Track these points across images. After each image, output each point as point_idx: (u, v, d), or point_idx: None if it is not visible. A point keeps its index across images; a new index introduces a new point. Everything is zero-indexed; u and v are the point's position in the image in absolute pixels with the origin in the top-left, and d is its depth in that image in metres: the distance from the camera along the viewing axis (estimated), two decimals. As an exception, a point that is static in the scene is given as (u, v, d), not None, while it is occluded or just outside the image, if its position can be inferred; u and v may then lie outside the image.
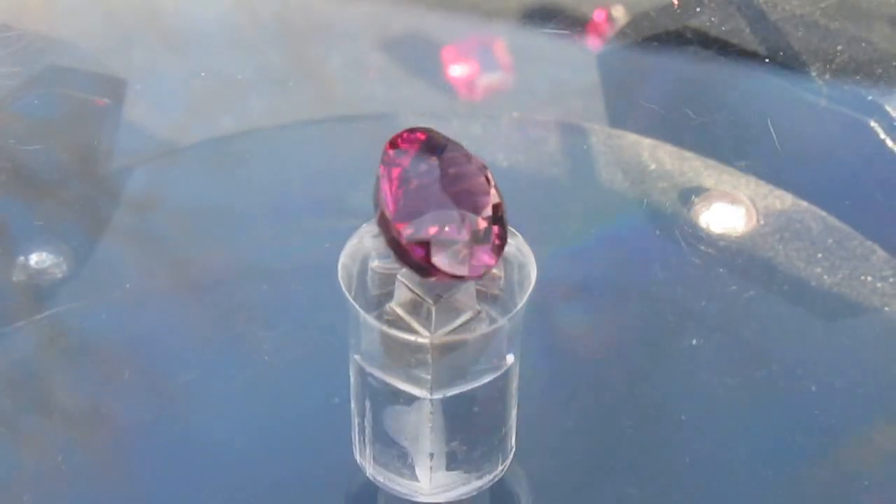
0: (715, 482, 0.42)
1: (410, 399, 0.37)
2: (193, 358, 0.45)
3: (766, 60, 0.51)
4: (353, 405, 0.38)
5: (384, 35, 0.59)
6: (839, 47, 0.51)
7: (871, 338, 0.46)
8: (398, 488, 0.38)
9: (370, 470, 0.39)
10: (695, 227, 0.48)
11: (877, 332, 0.46)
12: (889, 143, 0.50)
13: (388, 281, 0.37)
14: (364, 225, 0.37)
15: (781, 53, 0.51)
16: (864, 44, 0.51)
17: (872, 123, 0.50)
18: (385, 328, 0.35)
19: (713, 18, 0.52)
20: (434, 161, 0.34)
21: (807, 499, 0.41)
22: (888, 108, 0.50)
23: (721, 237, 0.48)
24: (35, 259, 0.46)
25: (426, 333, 0.35)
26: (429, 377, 0.36)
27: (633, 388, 0.44)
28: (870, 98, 0.50)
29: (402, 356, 0.36)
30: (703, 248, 0.48)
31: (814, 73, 0.51)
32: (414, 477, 0.38)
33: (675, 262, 0.48)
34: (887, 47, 0.51)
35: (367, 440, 0.38)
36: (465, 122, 0.53)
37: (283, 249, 0.48)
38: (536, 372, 0.42)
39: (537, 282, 0.36)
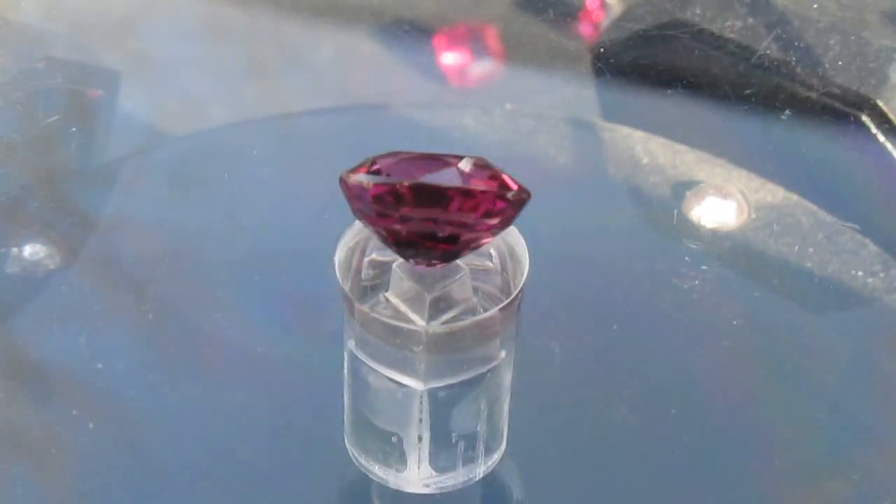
0: (706, 475, 0.42)
1: (402, 389, 0.37)
2: (183, 352, 0.45)
3: (759, 53, 0.51)
4: (345, 395, 0.38)
5: (375, 23, 0.58)
6: (832, 41, 0.51)
7: (861, 332, 0.46)
8: (387, 478, 0.39)
9: (360, 460, 0.39)
10: (687, 220, 0.49)
11: (867, 327, 0.46)
12: (880, 137, 0.50)
13: (382, 272, 0.37)
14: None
15: (774, 46, 0.51)
16: (857, 38, 0.51)
17: (864, 117, 0.50)
18: (380, 316, 0.36)
19: (706, 11, 0.52)
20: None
21: (796, 490, 0.42)
22: (880, 103, 0.50)
23: (713, 230, 0.48)
24: (26, 251, 0.46)
25: (422, 322, 0.36)
26: (422, 367, 0.36)
27: (623, 380, 0.44)
28: (862, 92, 0.50)
29: (396, 346, 0.36)
30: (694, 241, 0.48)
31: (806, 67, 0.51)
32: (402, 467, 0.38)
33: (666, 256, 0.48)
34: (880, 41, 0.51)
35: (357, 429, 0.39)
36: (457, 114, 0.53)
37: (275, 238, 0.48)
38: (528, 366, 0.42)
39: (530, 275, 0.37)
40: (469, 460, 0.38)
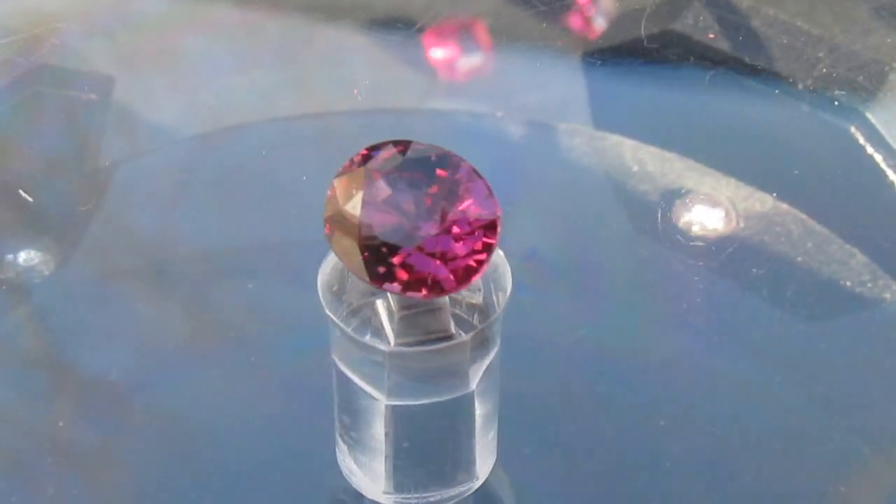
0: (698, 484, 0.42)
1: (370, 400, 0.37)
2: (175, 355, 0.45)
3: (749, 65, 0.52)
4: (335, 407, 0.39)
5: (365, 18, 0.58)
6: (821, 54, 0.51)
7: (849, 342, 0.46)
8: (358, 483, 0.39)
9: (343, 465, 0.39)
10: (676, 228, 0.49)
11: (855, 337, 0.47)
12: (869, 148, 0.50)
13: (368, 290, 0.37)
14: None
15: (764, 58, 0.52)
16: (845, 50, 0.52)
17: (853, 129, 0.50)
18: (346, 329, 0.36)
19: (697, 23, 0.52)
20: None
21: (787, 498, 0.42)
22: (868, 115, 0.50)
23: (701, 239, 0.48)
24: (21, 257, 0.46)
25: (387, 343, 0.36)
26: (386, 383, 0.36)
27: (613, 390, 0.44)
28: (850, 104, 0.51)
29: (363, 358, 0.36)
30: (683, 250, 0.48)
31: (796, 79, 0.51)
32: (372, 476, 0.39)
33: (655, 265, 0.48)
34: (868, 54, 0.52)
35: (340, 435, 0.39)
36: (447, 121, 0.53)
37: (267, 244, 0.48)
38: (518, 376, 0.42)
39: (518, 284, 0.37)
40: (430, 484, 0.39)
